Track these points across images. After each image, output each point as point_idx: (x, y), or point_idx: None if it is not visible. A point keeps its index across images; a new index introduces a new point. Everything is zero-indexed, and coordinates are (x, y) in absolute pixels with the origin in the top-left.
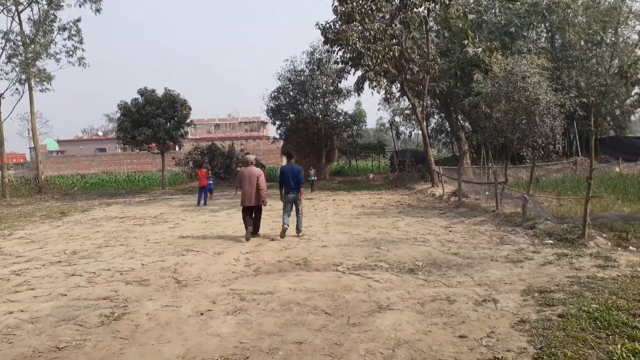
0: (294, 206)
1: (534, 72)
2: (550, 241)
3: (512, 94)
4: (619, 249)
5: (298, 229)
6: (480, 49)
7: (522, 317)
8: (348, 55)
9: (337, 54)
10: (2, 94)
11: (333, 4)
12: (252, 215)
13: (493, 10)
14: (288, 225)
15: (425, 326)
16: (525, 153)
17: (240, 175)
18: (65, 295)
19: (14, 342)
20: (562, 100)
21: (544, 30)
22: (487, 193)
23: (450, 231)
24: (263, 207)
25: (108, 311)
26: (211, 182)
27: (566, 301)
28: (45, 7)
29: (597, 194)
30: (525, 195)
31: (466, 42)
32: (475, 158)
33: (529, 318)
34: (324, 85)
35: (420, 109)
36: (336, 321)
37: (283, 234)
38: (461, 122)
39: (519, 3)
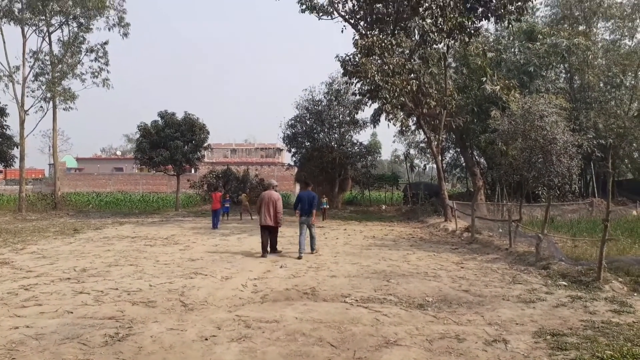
0: (307, 229)
1: (552, 112)
2: (564, 283)
3: (529, 133)
4: (635, 294)
5: (312, 248)
6: (498, 87)
7: None
8: (366, 87)
9: (355, 85)
10: (27, 110)
11: (354, 37)
12: (269, 233)
13: (512, 50)
14: (303, 253)
15: None
16: (540, 192)
17: (261, 198)
18: (72, 312)
19: (17, 359)
20: (579, 140)
21: (563, 71)
22: (500, 230)
23: (462, 267)
24: (279, 227)
25: (113, 331)
26: (227, 205)
27: (579, 346)
28: (75, 29)
29: (613, 236)
30: (540, 235)
31: (484, 79)
32: (490, 194)
33: None
34: (341, 116)
35: (436, 143)
36: (342, 354)
37: (299, 259)
38: (476, 157)
39: (538, 43)
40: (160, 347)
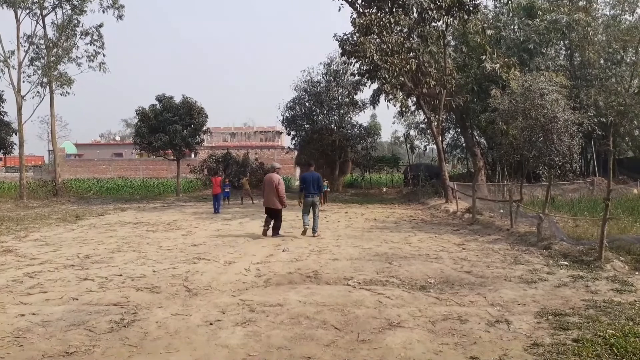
0: (311, 210)
1: (552, 90)
2: (566, 262)
3: (529, 111)
4: (637, 273)
5: (314, 230)
6: (498, 65)
7: (536, 340)
8: (365, 67)
9: (354, 66)
10: (24, 96)
11: (352, 16)
12: (272, 215)
13: (512, 27)
14: (309, 226)
15: (436, 346)
16: (541, 171)
17: (264, 181)
18: (77, 299)
19: (24, 346)
20: (580, 119)
21: (563, 48)
22: (501, 211)
23: (463, 249)
24: (283, 209)
25: (118, 317)
26: (227, 190)
27: (581, 325)
28: (69, 12)
29: (614, 215)
30: (541, 215)
31: (484, 57)
32: (491, 175)
33: (542, 341)
34: (340, 97)
35: (436, 123)
36: (345, 337)
37: (304, 233)
38: (477, 138)
39: (538, 20)
40: (165, 332)
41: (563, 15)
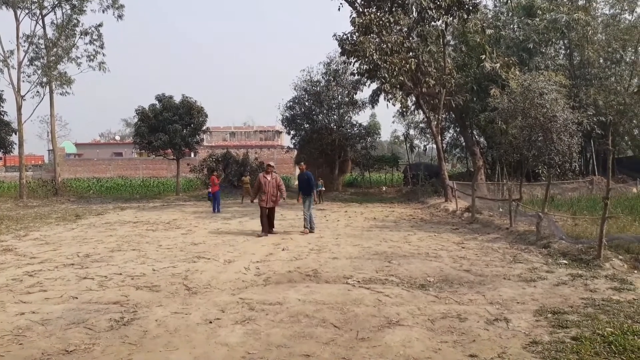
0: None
1: (552, 89)
2: (565, 261)
3: (528, 111)
4: (635, 271)
5: (310, 227)
6: (497, 64)
7: (535, 339)
8: (364, 66)
9: (353, 65)
10: (24, 96)
11: (351, 15)
12: (267, 213)
13: (511, 26)
14: (314, 225)
15: (435, 344)
16: (540, 170)
17: (264, 181)
18: (77, 298)
19: (24, 344)
20: (579, 118)
21: (563, 47)
22: (500, 210)
23: (462, 247)
24: (277, 207)
25: (118, 316)
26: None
27: (580, 323)
28: (69, 11)
29: (613, 214)
30: (540, 214)
31: (483, 57)
32: (490, 174)
33: (541, 339)
34: (340, 97)
35: (436, 122)
36: (345, 335)
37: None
38: (476, 137)
39: (537, 19)
40: (165, 331)
41: (562, 14)
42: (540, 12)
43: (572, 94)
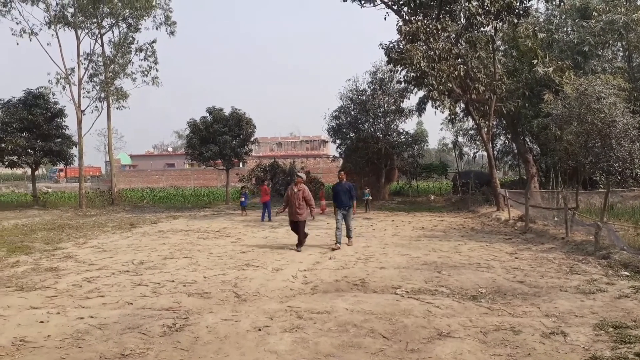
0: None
1: (610, 93)
2: (627, 273)
3: (585, 116)
4: None
5: (348, 236)
6: (550, 69)
7: (595, 354)
8: (411, 74)
9: (400, 73)
10: (84, 110)
11: (397, 23)
12: (293, 228)
13: (565, 29)
14: (340, 243)
15: (487, 356)
16: (598, 178)
17: (290, 193)
18: (132, 304)
19: (83, 347)
20: None
21: (621, 49)
22: (555, 219)
23: (516, 258)
24: (308, 220)
25: (170, 322)
26: (243, 199)
27: None
28: (125, 30)
29: None
30: (599, 223)
31: (535, 61)
32: (544, 182)
33: (602, 355)
34: (386, 105)
35: (486, 129)
36: (394, 346)
37: (333, 249)
38: (529, 144)
39: (593, 21)
40: (215, 337)
41: (620, 15)
42: (595, 14)
43: (632, 98)
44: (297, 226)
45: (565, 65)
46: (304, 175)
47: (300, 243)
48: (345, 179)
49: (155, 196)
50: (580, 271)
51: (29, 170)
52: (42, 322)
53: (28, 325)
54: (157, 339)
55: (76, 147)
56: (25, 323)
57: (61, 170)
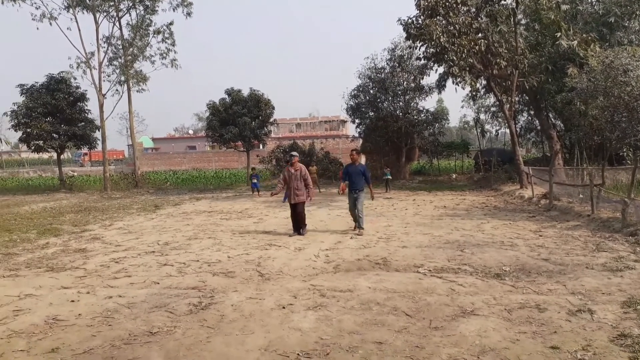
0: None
1: (638, 65)
2: None
3: (611, 89)
4: None
5: (358, 226)
6: (575, 42)
7: (623, 331)
8: (431, 50)
9: (419, 49)
10: (105, 94)
11: None
12: (293, 210)
13: (589, 0)
14: (362, 223)
15: (512, 334)
16: (625, 153)
17: (287, 174)
18: (158, 283)
19: (112, 325)
20: None
21: None
22: (581, 196)
23: (540, 235)
24: (308, 202)
25: (196, 300)
26: (255, 181)
27: None
28: (142, 12)
29: None
30: (626, 199)
31: (559, 34)
32: (568, 158)
33: (630, 332)
34: (405, 83)
35: (508, 105)
36: (417, 324)
37: (354, 229)
38: (552, 120)
39: None
40: (240, 315)
41: None
42: None
43: None
44: (295, 208)
45: (590, 37)
46: (296, 154)
47: (301, 227)
48: (358, 161)
49: (177, 178)
50: (607, 248)
51: (55, 155)
52: (72, 301)
53: (59, 305)
54: (183, 317)
55: (99, 130)
56: (56, 302)
57: (85, 154)
